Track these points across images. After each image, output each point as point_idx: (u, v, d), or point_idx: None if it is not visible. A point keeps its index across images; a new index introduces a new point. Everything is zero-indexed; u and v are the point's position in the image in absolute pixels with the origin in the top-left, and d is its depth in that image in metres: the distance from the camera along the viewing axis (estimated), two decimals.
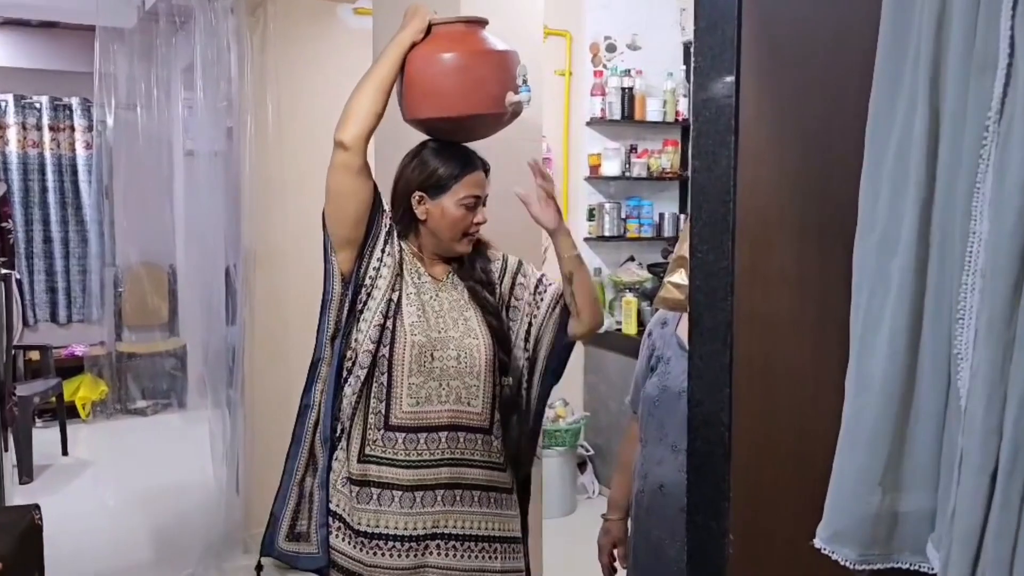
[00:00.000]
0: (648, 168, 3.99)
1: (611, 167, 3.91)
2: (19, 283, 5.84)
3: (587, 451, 3.97)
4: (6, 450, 2.75)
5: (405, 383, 1.59)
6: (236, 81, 3.36)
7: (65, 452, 4.96)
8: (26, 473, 4.50)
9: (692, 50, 1.05)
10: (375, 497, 1.59)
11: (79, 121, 5.90)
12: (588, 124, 3.92)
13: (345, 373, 1.61)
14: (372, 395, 1.60)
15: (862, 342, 0.75)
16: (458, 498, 1.61)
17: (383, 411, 1.59)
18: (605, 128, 3.95)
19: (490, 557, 1.65)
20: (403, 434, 1.59)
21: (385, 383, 1.59)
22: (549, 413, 3.68)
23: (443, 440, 1.60)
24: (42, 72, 5.76)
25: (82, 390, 5.61)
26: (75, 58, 5.48)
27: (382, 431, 1.59)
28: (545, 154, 3.80)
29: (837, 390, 0.79)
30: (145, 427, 5.61)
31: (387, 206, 1.65)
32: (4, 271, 2.72)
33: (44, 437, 4.98)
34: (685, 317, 1.59)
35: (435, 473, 1.60)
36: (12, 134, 5.81)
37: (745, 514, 0.97)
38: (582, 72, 3.90)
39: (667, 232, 4.07)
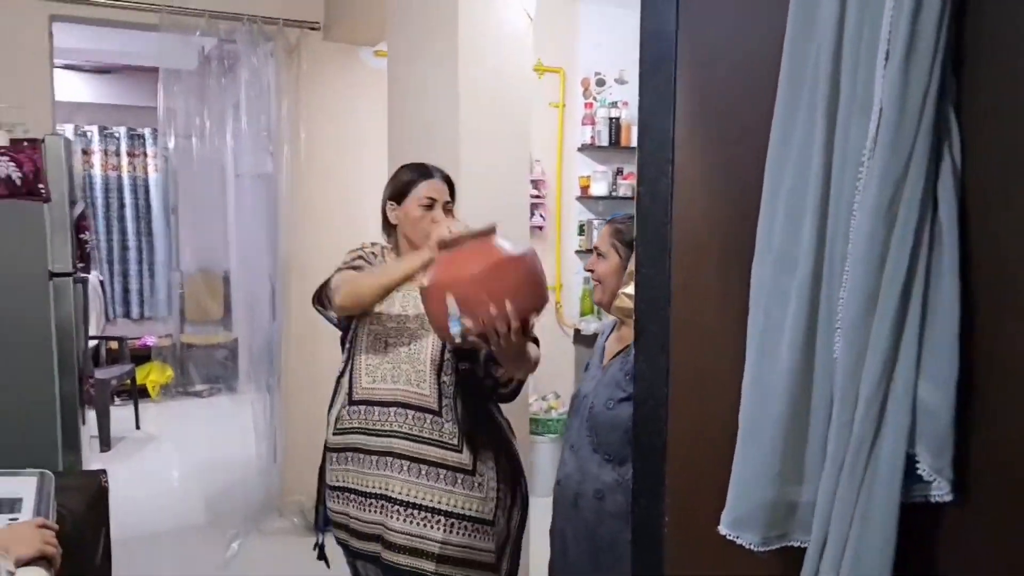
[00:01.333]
0: (632, 189, 3.93)
1: (599, 188, 3.87)
2: (102, 284, 5.93)
3: None
4: (84, 423, 2.76)
5: (363, 363, 1.64)
6: (275, 114, 3.41)
7: (137, 426, 5.04)
8: (105, 443, 4.58)
9: (638, 88, 1.03)
10: (347, 460, 1.67)
11: (151, 148, 5.97)
12: (579, 150, 3.88)
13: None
14: (344, 375, 1.69)
15: (759, 350, 0.72)
16: (405, 468, 1.59)
17: (347, 387, 1.67)
18: (594, 153, 3.91)
19: (431, 527, 1.56)
20: (363, 406, 1.64)
21: (350, 364, 1.68)
22: (542, 405, 3.66)
23: (391, 414, 1.61)
24: (121, 107, 5.84)
25: (152, 374, 5.69)
26: (147, 94, 5.55)
27: (347, 406, 1.66)
28: (540, 176, 3.80)
29: None
30: (202, 407, 5.68)
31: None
32: (83, 275, 2.72)
33: (121, 414, 5.07)
34: (617, 331, 1.56)
35: (388, 442, 1.60)
36: (96, 159, 5.92)
37: (679, 500, 0.95)
38: (574, 104, 3.87)
39: None
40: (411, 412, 1.59)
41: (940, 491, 0.62)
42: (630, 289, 1.23)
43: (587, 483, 1.52)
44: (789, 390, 0.68)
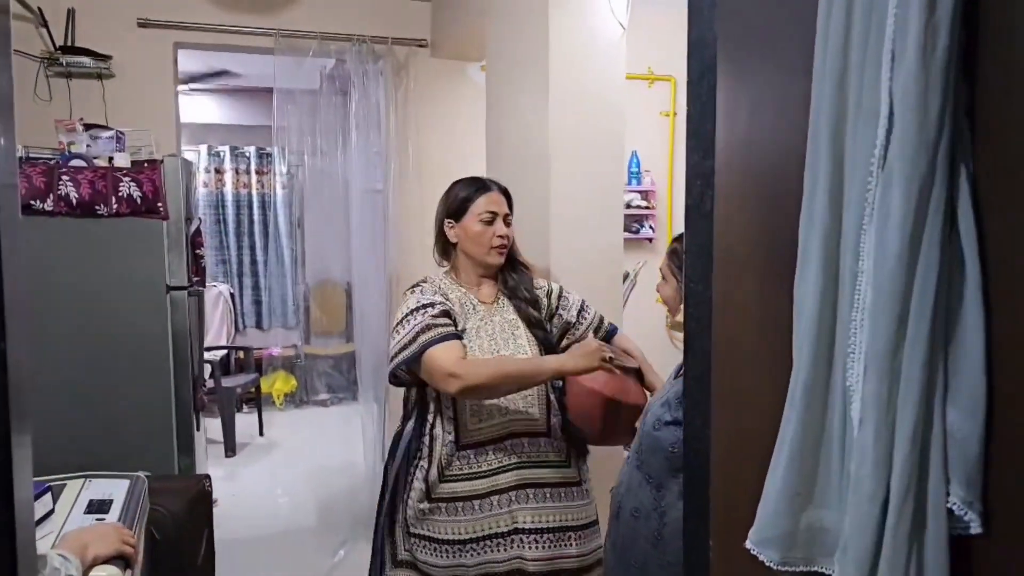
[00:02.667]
0: None
1: None
2: (232, 296, 6.45)
3: None
4: (198, 429, 3.01)
5: (467, 405, 1.62)
6: (384, 130, 3.58)
7: (261, 433, 5.38)
8: (230, 449, 4.93)
9: (686, 98, 1.02)
10: (457, 510, 1.62)
11: (278, 167, 6.43)
12: None
13: (425, 409, 1.67)
14: (443, 422, 1.63)
15: (795, 368, 0.71)
16: (531, 496, 1.63)
17: (452, 435, 1.62)
18: None
19: (566, 545, 1.65)
20: (473, 450, 1.62)
21: (451, 409, 1.63)
22: None
23: (507, 447, 1.62)
24: (251, 127, 6.33)
25: (277, 383, 6.09)
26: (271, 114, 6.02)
27: (455, 453, 1.62)
28: (650, 187, 3.76)
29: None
30: (324, 416, 5.98)
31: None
32: (198, 288, 2.97)
33: (247, 421, 5.46)
34: None
35: (506, 478, 1.62)
36: (228, 178, 6.41)
37: (721, 522, 0.93)
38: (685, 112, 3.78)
39: None
40: (525, 440, 1.65)
41: (971, 523, 0.58)
42: None
43: (628, 499, 1.53)
44: (805, 411, 0.66)
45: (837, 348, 0.63)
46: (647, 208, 3.75)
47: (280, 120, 3.78)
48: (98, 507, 1.64)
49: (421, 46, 3.64)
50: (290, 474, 4.57)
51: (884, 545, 0.60)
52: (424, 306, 1.63)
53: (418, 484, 1.64)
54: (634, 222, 3.50)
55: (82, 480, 1.81)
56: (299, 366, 6.14)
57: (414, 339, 1.58)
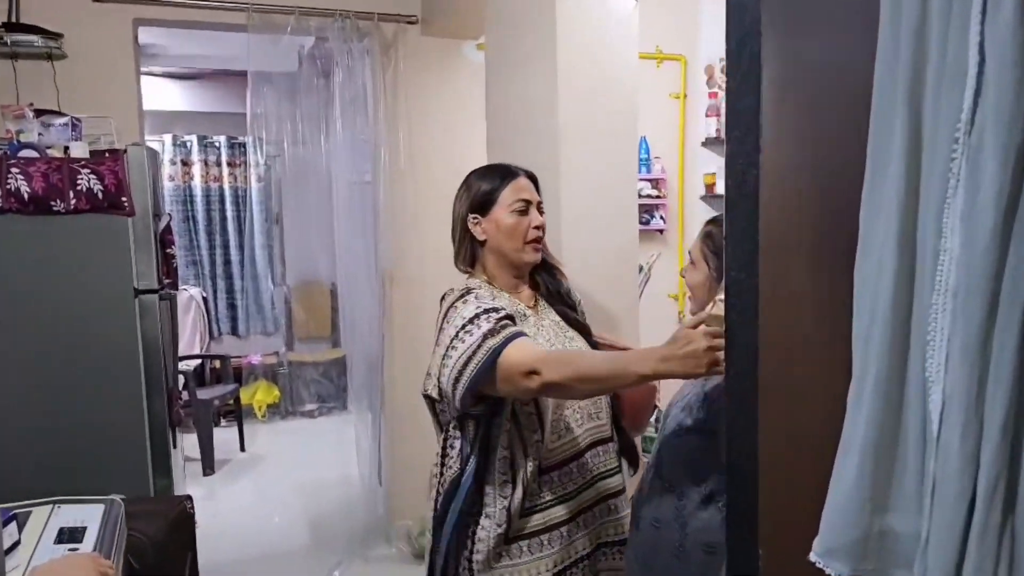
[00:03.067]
0: None
1: None
2: (205, 300, 6.40)
3: None
4: (175, 446, 2.97)
5: (549, 420, 1.52)
6: (371, 116, 3.55)
7: (243, 449, 5.35)
8: (208, 466, 4.89)
9: (726, 69, 1.01)
10: (542, 545, 1.53)
11: (251, 157, 6.37)
12: (704, 144, 3.81)
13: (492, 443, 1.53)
14: (522, 448, 1.50)
15: (861, 364, 0.70)
16: (612, 507, 1.64)
17: (535, 460, 1.50)
18: (720, 148, 3.80)
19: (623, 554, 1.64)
20: (558, 471, 1.55)
21: (537, 429, 1.51)
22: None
23: (588, 461, 1.59)
24: (221, 115, 6.26)
25: (259, 394, 6.05)
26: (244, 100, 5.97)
27: (536, 479, 1.51)
28: (660, 175, 3.76)
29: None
30: (311, 427, 5.96)
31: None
32: (169, 291, 2.93)
33: (226, 436, 5.43)
34: None
35: (588, 494, 1.60)
36: (196, 170, 6.34)
37: (773, 530, 0.92)
38: (696, 94, 3.80)
39: None
40: (600, 448, 1.63)
41: None
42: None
43: (648, 508, 1.50)
44: (876, 407, 0.65)
45: (914, 336, 0.62)
46: (658, 197, 3.74)
47: (255, 106, 3.73)
48: (70, 536, 1.60)
49: (410, 22, 3.61)
50: (277, 491, 4.55)
51: (969, 548, 0.59)
52: (487, 311, 1.47)
53: (490, 529, 1.51)
54: (644, 212, 3.50)
55: (50, 506, 1.76)
56: (282, 375, 6.11)
57: (479, 346, 1.42)
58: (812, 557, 0.72)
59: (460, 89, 3.64)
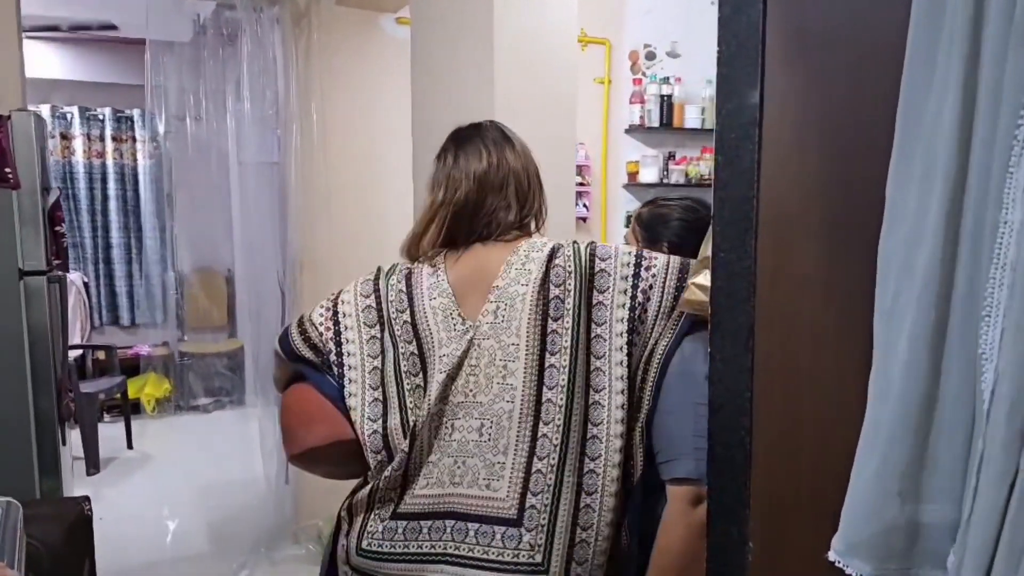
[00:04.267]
0: (686, 175, 3.90)
1: (649, 174, 3.83)
2: (87, 286, 6.01)
3: None
4: (64, 443, 2.77)
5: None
6: (282, 92, 3.40)
7: (130, 446, 5.08)
8: (93, 465, 4.61)
9: (717, 38, 0.98)
10: None
11: (140, 132, 6.02)
12: (627, 132, 3.86)
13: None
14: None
15: (885, 345, 0.68)
16: None
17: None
18: (644, 136, 3.88)
19: None
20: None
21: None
22: None
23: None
24: (106, 85, 5.88)
25: (148, 388, 5.75)
26: (136, 71, 5.62)
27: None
28: (583, 161, 3.77)
29: (860, 396, 0.72)
30: (205, 423, 5.72)
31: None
32: (59, 273, 2.73)
33: (111, 432, 5.13)
34: None
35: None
36: (78, 144, 5.93)
37: (766, 522, 0.91)
38: (621, 80, 3.83)
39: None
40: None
41: None
42: (700, 279, 1.18)
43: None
44: (908, 390, 0.64)
45: (958, 313, 0.61)
46: (581, 184, 3.76)
47: (155, 77, 3.51)
48: None
49: None
50: (171, 491, 4.33)
51: (1005, 526, 0.58)
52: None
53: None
54: None
55: None
56: (174, 367, 5.81)
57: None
58: (831, 556, 0.70)
59: (380, 63, 3.54)
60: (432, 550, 1.28)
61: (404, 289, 1.36)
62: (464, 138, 1.45)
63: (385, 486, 1.30)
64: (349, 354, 1.35)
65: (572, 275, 1.31)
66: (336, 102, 3.50)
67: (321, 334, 1.38)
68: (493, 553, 1.25)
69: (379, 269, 1.42)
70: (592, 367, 1.29)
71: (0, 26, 3.03)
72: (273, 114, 3.45)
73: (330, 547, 1.41)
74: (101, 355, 5.59)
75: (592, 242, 1.38)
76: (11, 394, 2.53)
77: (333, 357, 1.37)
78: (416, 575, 1.28)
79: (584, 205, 3.82)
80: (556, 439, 1.25)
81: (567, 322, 1.28)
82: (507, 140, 1.45)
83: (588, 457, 1.27)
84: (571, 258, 1.32)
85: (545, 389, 1.27)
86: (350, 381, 1.34)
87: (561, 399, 1.26)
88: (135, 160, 6.08)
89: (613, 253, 1.34)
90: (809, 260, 0.84)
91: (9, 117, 2.51)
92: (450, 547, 1.27)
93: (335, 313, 1.39)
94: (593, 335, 1.30)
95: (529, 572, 1.24)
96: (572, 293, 1.30)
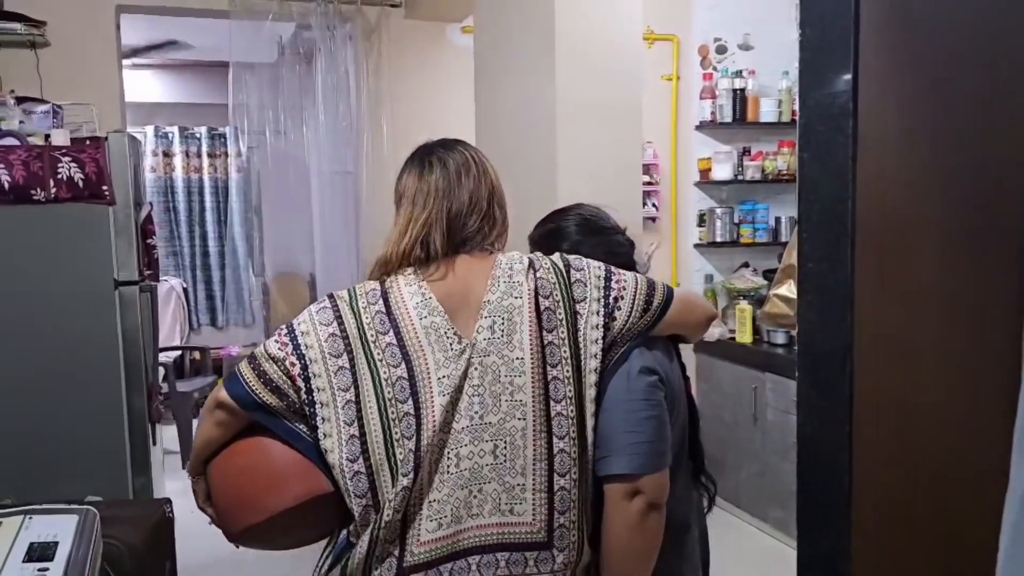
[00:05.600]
0: (763, 171, 3.68)
1: (722, 171, 3.63)
2: (185, 292, 6.18)
3: None
4: (154, 443, 2.79)
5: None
6: (354, 104, 3.39)
7: None
8: (188, 459, 4.68)
9: (799, 19, 0.83)
10: None
11: (232, 147, 6.17)
12: (697, 128, 3.67)
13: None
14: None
15: None
16: None
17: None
18: (715, 131, 3.69)
19: None
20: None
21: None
22: None
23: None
24: (201, 106, 6.07)
25: None
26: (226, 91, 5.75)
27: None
28: (651, 160, 3.61)
29: (996, 436, 0.56)
30: None
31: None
32: (150, 283, 2.75)
33: None
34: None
35: None
36: (178, 162, 6.17)
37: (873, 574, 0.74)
38: (690, 76, 3.65)
39: (784, 237, 3.73)
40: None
41: None
42: (784, 290, 1.02)
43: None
44: None
45: None
46: (650, 184, 3.59)
47: (237, 96, 3.54)
48: (40, 553, 1.45)
49: (394, 6, 3.47)
50: None
51: None
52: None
53: None
54: None
55: (21, 518, 1.61)
56: None
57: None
58: None
59: (446, 73, 3.51)
60: None
61: (383, 310, 1.19)
62: (446, 150, 1.32)
63: (385, 537, 1.13)
64: (319, 389, 1.16)
65: (556, 286, 1.22)
66: (405, 112, 3.49)
67: (287, 370, 1.17)
68: None
69: (333, 296, 1.22)
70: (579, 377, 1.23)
71: (101, 55, 3.17)
72: (347, 126, 3.44)
73: None
74: (197, 355, 5.72)
75: (562, 254, 1.28)
76: (107, 396, 2.60)
77: (304, 395, 1.16)
78: None
79: (654, 205, 3.66)
80: (574, 453, 1.17)
81: (562, 332, 1.20)
82: (486, 161, 1.34)
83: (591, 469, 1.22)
84: (550, 270, 1.24)
85: (552, 403, 1.17)
86: (323, 420, 1.15)
87: (571, 411, 1.18)
88: (227, 174, 6.25)
89: (586, 265, 1.25)
90: (928, 271, 0.67)
91: (106, 138, 2.59)
92: None
93: (297, 345, 1.18)
94: (579, 346, 1.22)
95: None
96: (561, 304, 1.21)
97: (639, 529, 1.15)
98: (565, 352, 1.19)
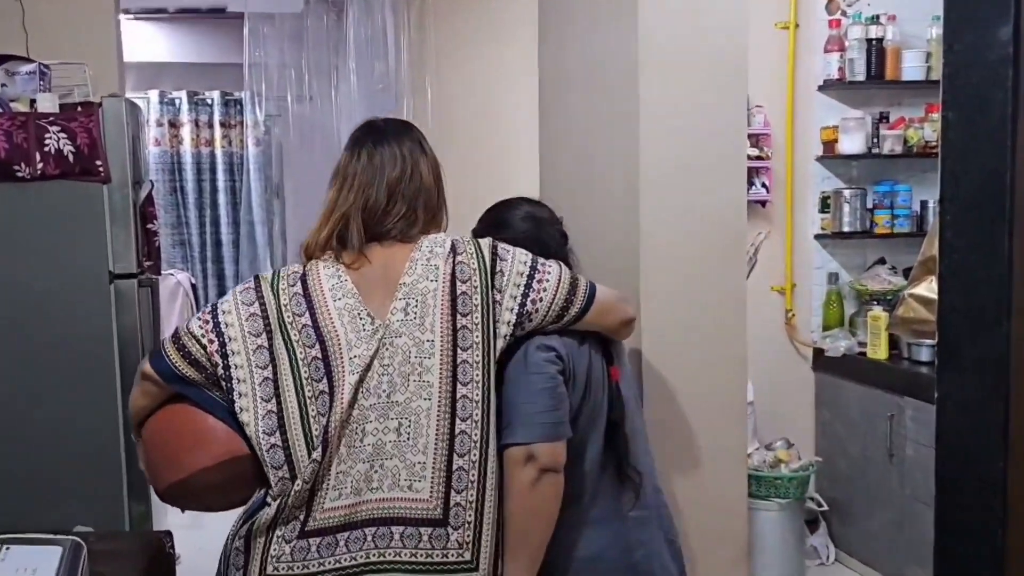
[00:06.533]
0: (904, 142, 3.61)
1: (852, 143, 3.57)
2: (194, 288, 6.36)
3: (819, 506, 3.66)
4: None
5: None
6: (393, 64, 3.46)
7: None
8: None
9: None
10: None
11: (249, 116, 6.26)
12: (820, 89, 3.62)
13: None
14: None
15: None
16: None
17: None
18: (844, 93, 3.62)
19: None
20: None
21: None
22: (765, 456, 3.45)
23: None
24: (215, 66, 6.20)
25: None
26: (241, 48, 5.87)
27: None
28: (761, 129, 3.60)
29: None
30: None
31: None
32: (151, 276, 2.86)
33: None
34: None
35: None
36: (186, 132, 6.27)
37: None
38: (812, 23, 3.60)
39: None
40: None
41: None
42: (922, 289, 0.99)
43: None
44: None
45: None
46: (759, 159, 3.54)
47: (254, 54, 3.65)
48: None
49: None
50: None
51: None
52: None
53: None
54: None
55: None
56: None
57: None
58: None
59: (502, 24, 3.58)
60: (353, 561, 1.46)
61: (301, 292, 1.54)
62: (380, 137, 1.65)
63: (292, 503, 1.47)
64: (236, 366, 1.52)
65: (476, 272, 1.56)
66: (453, 71, 3.54)
67: (204, 347, 1.54)
68: (421, 555, 1.46)
69: (258, 277, 1.60)
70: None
71: (96, 6, 3.28)
72: (384, 88, 3.51)
73: None
74: None
75: (491, 240, 1.63)
76: (100, 409, 2.69)
77: (220, 371, 1.53)
78: None
79: (762, 185, 3.61)
80: (475, 435, 1.50)
81: (476, 317, 1.53)
82: (423, 151, 1.68)
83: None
84: (473, 255, 1.58)
85: (459, 385, 1.50)
86: (240, 395, 1.51)
87: (476, 395, 1.51)
88: (244, 147, 6.35)
89: (511, 256, 1.60)
90: None
91: (101, 104, 2.69)
92: (373, 555, 1.46)
93: (217, 324, 1.54)
94: (492, 332, 1.55)
95: (459, 571, 1.46)
96: (479, 289, 1.55)
97: (534, 492, 1.50)
98: (477, 337, 1.52)
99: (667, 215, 2.10)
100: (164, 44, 6.22)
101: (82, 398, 2.66)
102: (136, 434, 1.68)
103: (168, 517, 3.33)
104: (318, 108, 3.72)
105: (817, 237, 3.71)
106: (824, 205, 3.70)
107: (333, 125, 4.14)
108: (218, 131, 6.31)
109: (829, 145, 3.63)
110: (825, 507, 3.69)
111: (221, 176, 6.34)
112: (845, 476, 3.57)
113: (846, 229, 3.64)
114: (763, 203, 3.64)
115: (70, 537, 1.78)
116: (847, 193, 3.63)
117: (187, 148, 6.28)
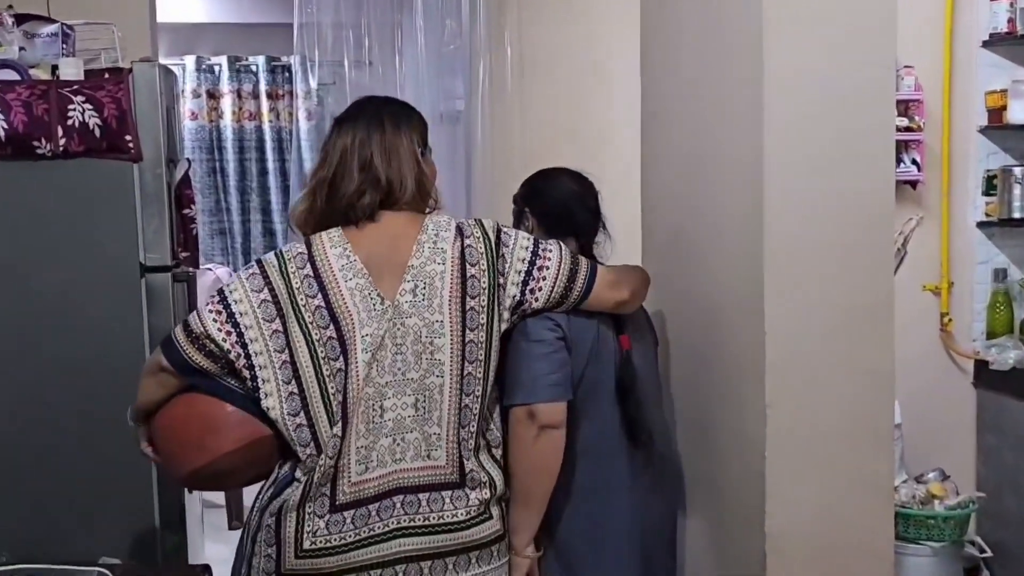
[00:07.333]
0: None
1: None
2: None
3: (981, 551, 3.59)
4: (190, 490, 2.95)
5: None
6: (467, 20, 3.49)
7: None
8: (236, 516, 4.86)
9: None
10: None
11: (300, 85, 6.28)
12: (985, 44, 3.55)
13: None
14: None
15: None
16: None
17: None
18: (1015, 49, 3.55)
19: None
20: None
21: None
22: (918, 491, 3.40)
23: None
24: (258, 27, 6.28)
25: None
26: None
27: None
28: (911, 95, 3.57)
29: None
30: None
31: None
32: (188, 270, 2.91)
33: None
34: None
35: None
36: (227, 104, 6.32)
37: None
38: None
39: None
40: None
41: None
42: None
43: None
44: None
45: None
46: (908, 130, 3.52)
47: (306, 12, 3.74)
48: None
49: None
50: None
51: None
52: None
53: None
54: None
55: None
56: None
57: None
58: None
59: None
60: (385, 528, 1.84)
61: (311, 274, 1.84)
62: (356, 119, 1.95)
63: (318, 480, 1.81)
64: (256, 353, 1.82)
65: (484, 255, 1.91)
66: (537, 31, 3.59)
67: (222, 340, 1.82)
68: (447, 516, 1.87)
69: (261, 262, 1.88)
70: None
71: None
72: (456, 50, 3.53)
73: (246, 563, 1.91)
74: None
75: (496, 223, 1.98)
76: (129, 425, 2.71)
77: (243, 361, 1.82)
78: (371, 557, 1.82)
79: (913, 161, 3.58)
80: (476, 409, 1.90)
81: (483, 300, 1.89)
82: (405, 137, 1.96)
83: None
84: (480, 238, 1.93)
85: (467, 363, 1.88)
86: (264, 381, 1.82)
87: (480, 372, 1.90)
88: (293, 121, 6.34)
89: (513, 241, 1.96)
90: None
91: (131, 71, 2.72)
92: (404, 520, 1.85)
93: (231, 315, 1.83)
94: (497, 314, 1.93)
95: (481, 522, 1.90)
96: (487, 272, 1.91)
97: (535, 447, 1.94)
98: (483, 319, 1.89)
99: (797, 199, 2.09)
100: (201, 2, 6.31)
101: (108, 412, 2.58)
102: (141, 422, 1.99)
103: (207, 548, 3.42)
104: (379, 75, 3.76)
105: (980, 225, 3.67)
106: (989, 186, 3.65)
107: (396, 93, 4.19)
108: (264, 102, 6.37)
109: (995, 113, 3.57)
110: (988, 552, 3.63)
111: (268, 154, 6.41)
112: (1014, 515, 3.53)
113: (1016, 215, 3.58)
114: (914, 184, 3.63)
115: (95, 568, 1.88)
116: (1018, 172, 3.56)
117: (228, 122, 6.36)
